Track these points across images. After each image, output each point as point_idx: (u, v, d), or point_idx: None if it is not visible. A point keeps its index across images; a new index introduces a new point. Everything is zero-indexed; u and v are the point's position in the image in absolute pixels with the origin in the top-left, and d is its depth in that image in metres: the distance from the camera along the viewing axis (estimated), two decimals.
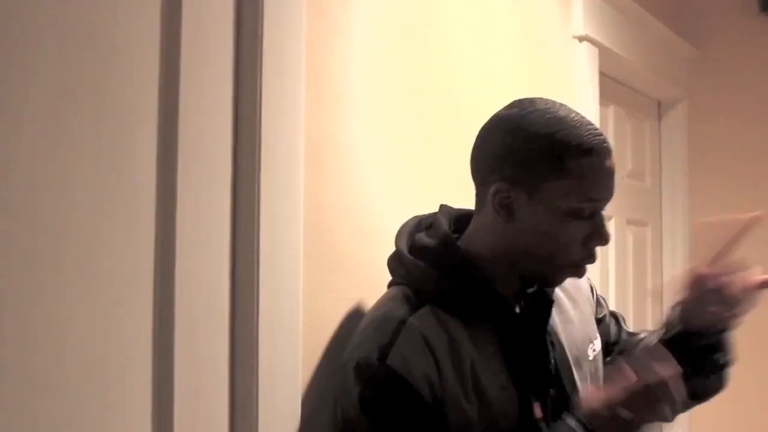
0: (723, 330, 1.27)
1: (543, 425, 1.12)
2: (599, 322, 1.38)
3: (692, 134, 2.88)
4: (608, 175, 1.11)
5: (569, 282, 1.26)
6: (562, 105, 1.17)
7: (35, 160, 0.84)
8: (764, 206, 2.85)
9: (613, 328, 1.40)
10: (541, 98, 1.18)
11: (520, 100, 1.18)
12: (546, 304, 1.19)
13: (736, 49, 2.82)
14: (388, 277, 1.21)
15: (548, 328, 1.20)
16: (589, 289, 1.40)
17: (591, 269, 2.12)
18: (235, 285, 1.05)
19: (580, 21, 2.13)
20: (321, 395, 1.20)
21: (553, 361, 1.19)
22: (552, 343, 1.20)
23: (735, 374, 2.88)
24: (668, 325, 1.29)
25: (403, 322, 1.09)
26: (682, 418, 2.81)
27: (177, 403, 0.96)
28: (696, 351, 1.24)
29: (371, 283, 1.30)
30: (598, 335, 1.32)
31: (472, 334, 1.12)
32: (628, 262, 2.65)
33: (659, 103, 2.92)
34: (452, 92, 1.57)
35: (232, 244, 1.05)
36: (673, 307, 1.28)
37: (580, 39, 2.14)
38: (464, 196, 1.45)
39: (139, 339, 0.94)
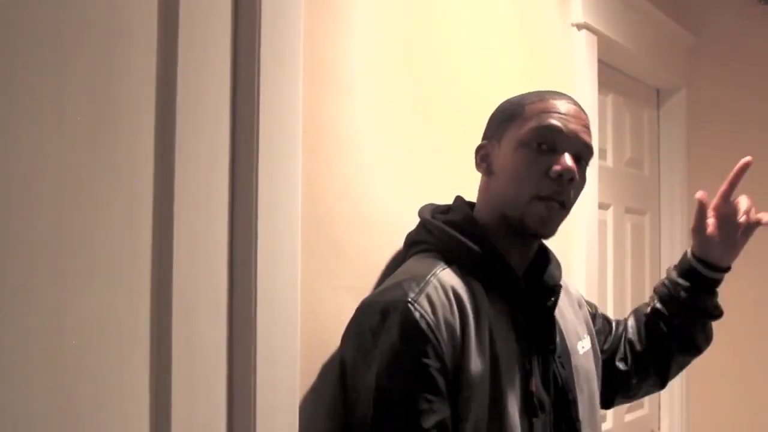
0: (728, 268, 1.45)
1: (535, 398, 1.19)
2: (599, 332, 1.48)
3: (691, 122, 2.88)
4: (565, 109, 1.23)
5: (565, 281, 1.36)
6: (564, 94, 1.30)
7: (32, 147, 0.83)
8: (762, 196, 2.86)
9: (609, 328, 1.52)
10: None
11: None
12: (552, 290, 1.27)
13: (735, 38, 2.81)
14: (385, 261, 1.22)
15: (556, 312, 1.28)
16: (585, 305, 1.48)
17: (589, 256, 2.13)
18: (233, 274, 1.05)
19: (579, 9, 2.12)
20: (320, 383, 1.20)
21: (558, 341, 1.27)
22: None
23: (730, 355, 2.87)
24: (681, 262, 1.46)
25: (433, 275, 1.16)
26: (678, 398, 2.83)
27: (174, 392, 0.96)
28: (701, 287, 1.42)
29: (370, 271, 1.30)
30: (587, 336, 1.39)
31: (491, 299, 1.19)
32: (626, 250, 2.66)
33: (658, 92, 2.92)
34: (452, 80, 1.57)
35: (230, 233, 1.05)
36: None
37: (579, 27, 2.14)
38: (463, 184, 1.45)
39: (137, 329, 0.94)
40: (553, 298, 1.27)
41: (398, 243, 1.37)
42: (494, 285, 1.20)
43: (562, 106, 1.23)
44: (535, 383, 1.19)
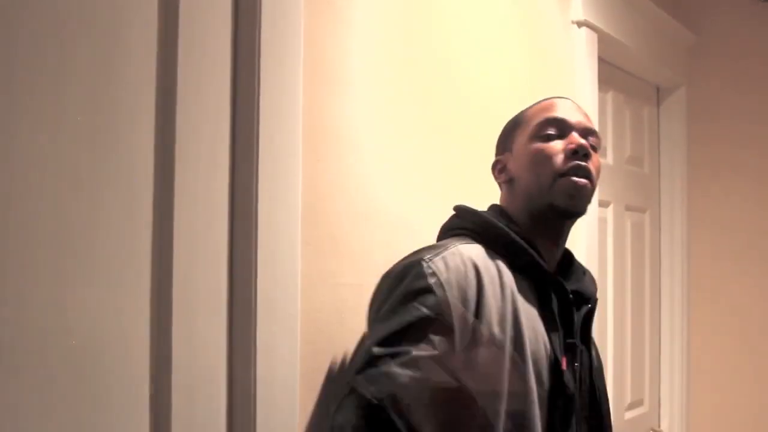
0: None
1: (568, 376, 1.20)
2: None
3: (691, 120, 2.88)
4: (563, 104, 1.29)
5: None
6: None
7: (32, 147, 0.83)
8: (762, 192, 2.86)
9: None
10: None
11: None
12: (586, 300, 1.30)
13: (735, 35, 2.81)
14: (387, 261, 1.22)
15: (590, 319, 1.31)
16: None
17: (589, 253, 2.13)
18: (233, 271, 1.05)
19: (579, 6, 2.12)
20: (320, 379, 1.20)
21: (593, 355, 1.30)
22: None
23: (731, 353, 2.88)
24: None
25: (455, 245, 1.19)
26: (678, 396, 2.83)
27: (174, 392, 0.96)
28: None
29: (370, 269, 1.30)
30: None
31: (517, 278, 1.21)
32: (627, 248, 2.66)
33: (658, 89, 2.92)
34: (452, 79, 1.57)
35: (230, 231, 1.05)
36: None
37: (579, 24, 2.14)
38: (463, 182, 1.45)
39: (137, 328, 0.94)
40: (590, 306, 1.30)
41: (399, 240, 1.37)
42: (523, 269, 1.22)
43: (560, 102, 1.30)
44: (565, 362, 1.20)
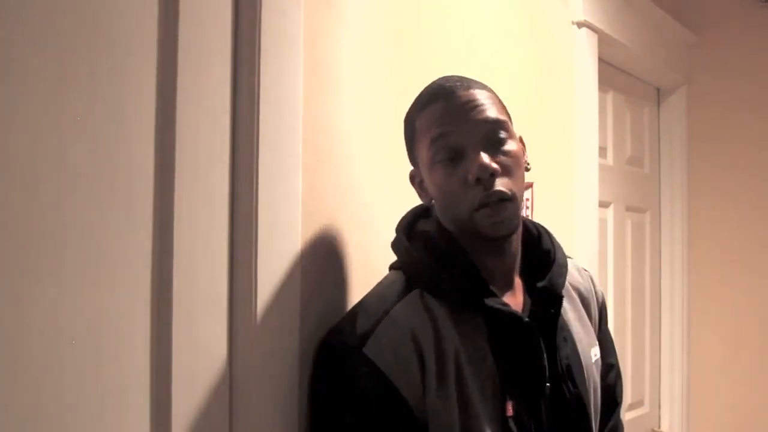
0: None
1: (512, 422, 1.08)
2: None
3: (691, 120, 2.88)
4: (452, 108, 1.11)
5: (577, 281, 1.29)
6: (448, 76, 1.19)
7: (32, 147, 0.83)
8: (762, 193, 2.86)
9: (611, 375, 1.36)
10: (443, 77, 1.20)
11: None
12: (554, 299, 1.17)
13: (735, 36, 2.81)
14: (385, 261, 1.22)
15: (560, 323, 1.17)
16: (595, 298, 1.35)
17: (590, 254, 2.13)
18: (233, 271, 1.05)
19: (579, 7, 2.12)
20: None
21: (565, 356, 1.16)
22: (564, 338, 1.18)
23: (731, 353, 2.88)
24: None
25: (387, 312, 1.09)
26: (678, 396, 2.83)
27: (174, 392, 0.96)
28: None
29: (371, 270, 1.30)
30: (597, 342, 1.29)
31: (460, 324, 1.10)
32: (627, 248, 2.66)
33: (658, 90, 2.92)
34: None
35: (230, 231, 1.05)
36: None
37: (580, 25, 2.14)
38: None
39: (137, 329, 0.94)
40: (553, 309, 1.17)
41: None
42: (467, 304, 1.11)
43: (445, 103, 1.11)
44: (513, 406, 1.08)
